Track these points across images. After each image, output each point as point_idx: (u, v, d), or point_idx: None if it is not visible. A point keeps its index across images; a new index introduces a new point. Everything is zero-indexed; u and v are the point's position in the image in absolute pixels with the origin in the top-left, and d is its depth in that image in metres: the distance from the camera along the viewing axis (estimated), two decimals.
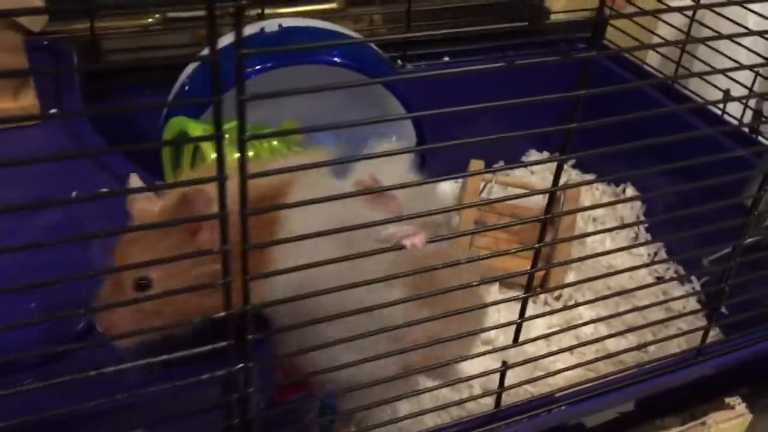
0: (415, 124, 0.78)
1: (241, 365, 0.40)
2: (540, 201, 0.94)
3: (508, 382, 0.56)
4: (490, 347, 0.58)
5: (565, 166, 1.09)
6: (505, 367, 0.54)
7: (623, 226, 0.94)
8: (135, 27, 0.86)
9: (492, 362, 0.55)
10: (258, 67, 0.69)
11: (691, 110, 0.91)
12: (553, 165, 1.07)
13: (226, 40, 0.73)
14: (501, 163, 1.05)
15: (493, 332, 0.75)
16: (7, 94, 0.65)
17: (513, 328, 0.54)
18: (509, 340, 0.54)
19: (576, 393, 0.60)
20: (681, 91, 0.97)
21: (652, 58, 1.17)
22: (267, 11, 0.87)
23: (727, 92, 0.89)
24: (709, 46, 0.91)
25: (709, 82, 0.94)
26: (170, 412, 0.42)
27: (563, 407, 0.59)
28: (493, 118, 0.80)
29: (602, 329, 0.79)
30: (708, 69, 0.89)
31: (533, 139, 1.08)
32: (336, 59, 0.72)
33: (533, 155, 1.10)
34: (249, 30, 0.72)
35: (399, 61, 0.93)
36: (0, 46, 0.62)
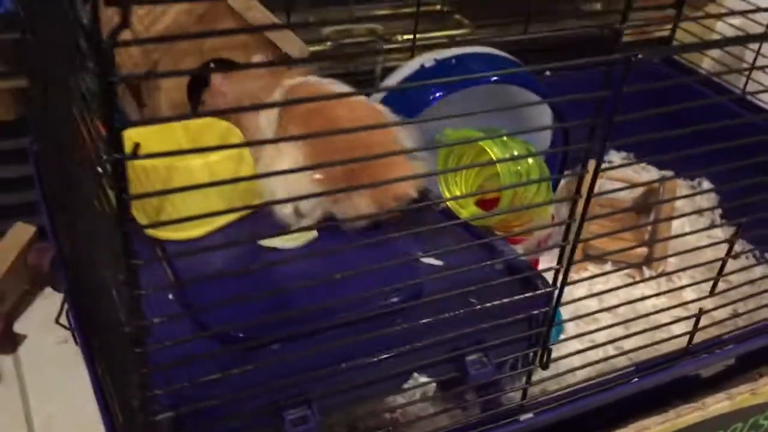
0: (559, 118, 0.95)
1: None
2: (628, 195, 1.12)
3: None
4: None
5: (645, 165, 1.27)
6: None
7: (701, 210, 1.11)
8: None
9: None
10: (438, 94, 0.86)
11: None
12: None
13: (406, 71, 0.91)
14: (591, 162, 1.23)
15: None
16: None
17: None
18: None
19: (700, 348, 0.77)
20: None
21: (706, 61, 1.34)
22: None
23: None
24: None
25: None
26: None
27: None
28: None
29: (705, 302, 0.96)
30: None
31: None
32: (493, 78, 0.90)
33: (612, 154, 1.28)
34: (409, 68, 0.89)
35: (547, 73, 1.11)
36: None
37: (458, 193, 0.73)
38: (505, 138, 0.70)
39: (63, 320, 0.83)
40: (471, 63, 0.90)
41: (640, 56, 0.50)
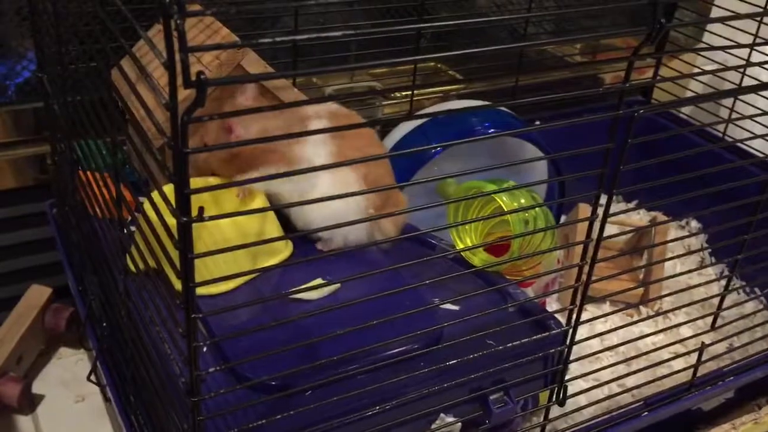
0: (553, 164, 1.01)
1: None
2: (621, 236, 1.17)
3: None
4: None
5: (632, 204, 1.33)
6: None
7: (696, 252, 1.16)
8: None
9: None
10: (439, 149, 0.91)
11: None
12: (623, 204, 1.29)
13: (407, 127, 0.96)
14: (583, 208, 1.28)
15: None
16: None
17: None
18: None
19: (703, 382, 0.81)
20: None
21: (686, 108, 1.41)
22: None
23: None
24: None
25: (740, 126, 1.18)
26: None
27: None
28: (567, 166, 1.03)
29: (697, 329, 1.00)
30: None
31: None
32: (491, 130, 0.95)
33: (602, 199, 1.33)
34: (417, 121, 0.95)
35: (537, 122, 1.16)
36: None
37: (469, 241, 0.77)
38: (511, 185, 0.75)
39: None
40: (469, 116, 0.95)
41: (642, 111, 0.55)
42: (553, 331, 0.67)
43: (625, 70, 0.54)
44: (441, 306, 0.70)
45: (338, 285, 0.69)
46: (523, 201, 0.74)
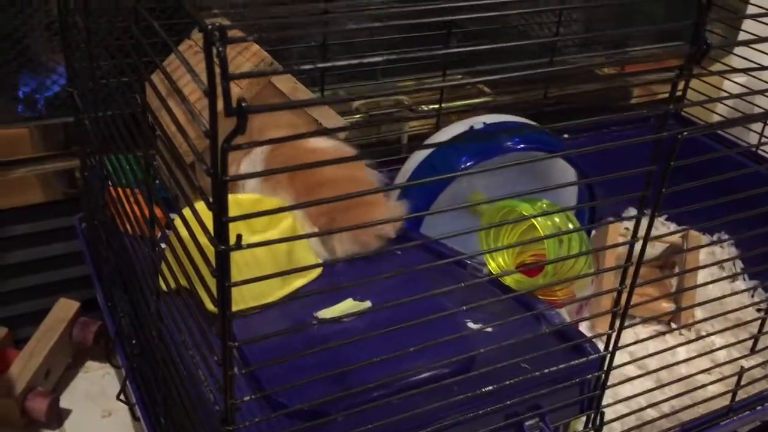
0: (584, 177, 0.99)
1: None
2: (652, 250, 1.15)
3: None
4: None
5: (662, 220, 1.31)
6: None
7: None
8: None
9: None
10: (470, 163, 0.90)
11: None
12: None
13: (446, 134, 0.95)
14: (609, 219, 1.26)
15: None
16: None
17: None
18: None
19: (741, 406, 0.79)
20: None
21: (714, 116, 1.38)
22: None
23: None
24: None
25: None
26: None
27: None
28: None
29: (734, 352, 0.98)
30: None
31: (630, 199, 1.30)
32: (521, 146, 0.94)
33: (631, 211, 1.32)
34: (460, 127, 0.93)
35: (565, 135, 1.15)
36: None
37: (501, 261, 0.75)
38: (545, 206, 0.73)
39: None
40: (502, 129, 0.94)
41: (685, 133, 0.53)
42: (591, 356, 0.66)
43: (670, 92, 0.53)
44: (473, 327, 0.68)
45: (368, 304, 0.68)
46: (557, 220, 0.73)
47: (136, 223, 0.65)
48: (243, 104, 0.35)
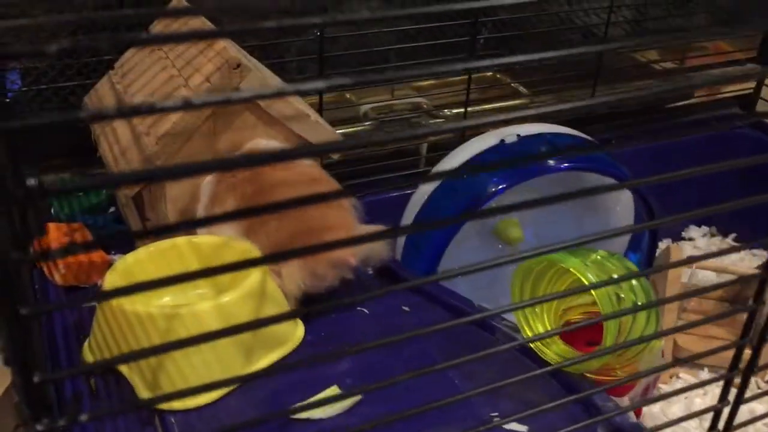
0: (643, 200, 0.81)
1: None
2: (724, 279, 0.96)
3: None
4: None
5: (729, 241, 1.11)
6: None
7: None
8: None
9: None
10: (502, 186, 0.71)
11: None
12: (717, 239, 1.07)
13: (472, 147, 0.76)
14: (668, 241, 1.07)
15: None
16: None
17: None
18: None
19: None
20: None
21: None
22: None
23: None
24: None
25: None
26: None
27: None
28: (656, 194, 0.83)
29: None
30: None
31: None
32: (565, 164, 0.75)
33: (692, 230, 1.12)
34: (491, 140, 0.75)
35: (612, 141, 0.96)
36: None
37: (541, 328, 0.57)
38: (599, 256, 0.55)
39: None
40: (539, 143, 0.75)
41: None
42: None
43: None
44: (503, 425, 0.50)
45: (359, 396, 0.50)
46: (614, 274, 0.55)
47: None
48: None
